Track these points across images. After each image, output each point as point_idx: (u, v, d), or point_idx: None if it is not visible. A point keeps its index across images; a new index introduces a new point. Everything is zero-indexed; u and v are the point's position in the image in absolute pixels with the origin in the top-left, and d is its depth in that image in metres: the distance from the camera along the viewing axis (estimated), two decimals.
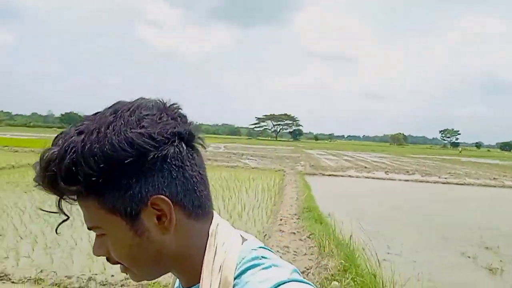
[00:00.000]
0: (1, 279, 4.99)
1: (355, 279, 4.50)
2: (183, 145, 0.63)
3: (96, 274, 5.03)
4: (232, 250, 0.64)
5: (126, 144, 0.58)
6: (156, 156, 0.59)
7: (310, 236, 6.81)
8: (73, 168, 0.58)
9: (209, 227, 0.67)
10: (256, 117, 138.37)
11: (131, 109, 0.61)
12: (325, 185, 16.83)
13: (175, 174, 0.62)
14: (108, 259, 0.66)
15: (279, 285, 0.58)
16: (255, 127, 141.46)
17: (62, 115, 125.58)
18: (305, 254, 5.98)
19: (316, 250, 6.00)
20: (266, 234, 7.47)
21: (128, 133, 0.58)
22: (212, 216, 0.69)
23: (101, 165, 0.57)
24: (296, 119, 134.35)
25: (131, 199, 0.60)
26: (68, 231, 7.19)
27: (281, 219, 8.35)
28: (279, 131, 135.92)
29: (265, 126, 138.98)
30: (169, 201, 0.61)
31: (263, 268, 0.61)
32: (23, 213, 8.36)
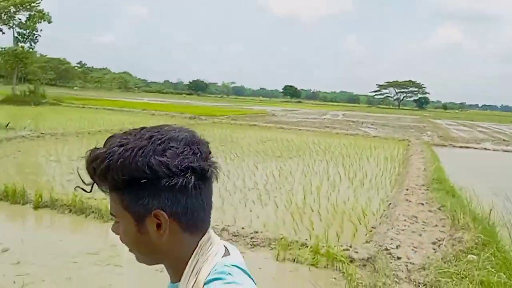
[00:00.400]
0: None
1: (496, 254, 4.12)
2: (193, 177, 0.77)
3: (228, 226, 5.41)
4: (210, 261, 0.79)
5: (147, 168, 0.74)
6: (167, 182, 0.75)
7: (441, 208, 6.39)
8: (106, 171, 0.76)
9: (200, 240, 0.82)
10: (377, 84, 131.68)
11: (162, 139, 0.77)
12: (456, 157, 15.52)
13: (179, 199, 0.78)
14: (120, 239, 0.84)
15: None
16: (376, 94, 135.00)
17: (190, 82, 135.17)
18: (436, 225, 5.65)
19: (448, 222, 5.62)
20: (390, 203, 7.22)
21: (152, 159, 0.74)
22: (205, 232, 0.84)
23: (124, 177, 0.75)
24: (422, 86, 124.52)
25: (141, 206, 0.78)
26: None
27: (407, 189, 7.97)
28: (402, 99, 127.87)
29: (386, 93, 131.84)
30: (167, 217, 0.78)
31: (224, 283, 0.75)
32: None
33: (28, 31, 32.93)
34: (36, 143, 12.03)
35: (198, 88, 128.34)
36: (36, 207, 6.00)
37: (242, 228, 5.37)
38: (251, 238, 5.09)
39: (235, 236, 5.14)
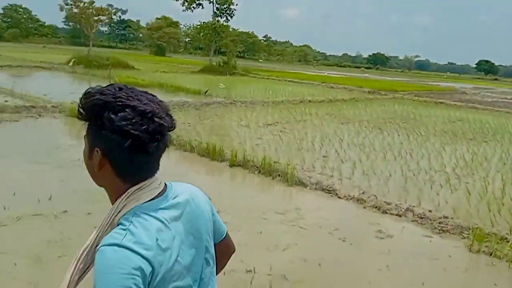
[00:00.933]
0: (329, 192, 5.80)
1: None
2: (129, 140, 0.96)
3: (413, 206, 5.13)
4: (129, 206, 0.99)
5: (100, 116, 0.98)
6: (109, 134, 0.97)
7: None
8: (81, 105, 1.02)
9: (130, 188, 1.00)
10: None
11: (124, 103, 0.97)
12: None
13: (114, 150, 0.98)
14: None
15: (111, 244, 0.90)
16: None
17: (369, 56, 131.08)
18: None
19: None
20: None
21: (105, 112, 0.97)
22: (138, 183, 1.01)
23: (86, 115, 1.01)
24: None
25: (90, 140, 1.02)
26: (382, 163, 7.58)
27: None
28: None
29: None
30: (101, 157, 1.00)
31: (120, 228, 0.94)
32: (342, 141, 9.34)
33: (225, 5, 36.42)
34: (229, 109, 13.40)
35: (377, 61, 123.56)
36: (232, 165, 6.73)
37: (429, 211, 5.02)
38: (439, 223, 4.74)
39: (421, 218, 4.86)
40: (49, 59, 26.94)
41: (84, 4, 27.03)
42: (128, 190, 1.00)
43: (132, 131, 0.95)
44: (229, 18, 37.05)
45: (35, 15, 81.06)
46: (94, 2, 27.59)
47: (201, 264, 1.11)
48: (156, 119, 0.98)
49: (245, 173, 6.51)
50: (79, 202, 4.69)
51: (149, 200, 1.00)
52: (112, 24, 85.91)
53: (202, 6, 37.51)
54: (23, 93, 11.60)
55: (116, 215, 0.99)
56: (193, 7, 37.23)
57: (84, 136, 1.04)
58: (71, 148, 6.93)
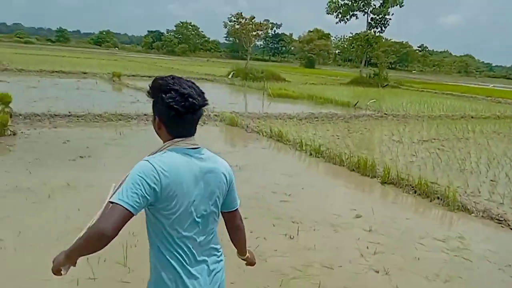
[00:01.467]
0: (500, 222, 5.09)
1: None
2: (172, 112, 1.49)
3: None
4: (165, 147, 1.54)
5: (157, 95, 1.54)
6: (161, 106, 1.52)
7: None
8: (149, 88, 1.58)
9: (171, 140, 1.55)
10: None
11: (171, 87, 1.50)
12: None
13: (165, 117, 1.52)
14: None
15: (144, 159, 1.49)
16: None
17: None
18: None
19: None
20: None
21: (161, 93, 1.51)
22: (175, 138, 1.55)
23: (150, 95, 1.57)
24: None
25: (154, 110, 1.57)
26: None
27: None
28: None
29: None
30: (159, 121, 1.56)
31: (156, 154, 1.54)
32: None
33: (380, 16, 35.39)
34: (380, 122, 12.91)
35: None
36: (383, 182, 6.43)
37: None
38: None
39: None
40: (211, 72, 29.81)
41: (245, 20, 29.20)
42: (172, 140, 1.55)
43: (174, 105, 1.48)
44: (383, 28, 35.89)
45: (202, 32, 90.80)
46: (254, 18, 29.59)
47: (206, 207, 1.60)
48: (190, 99, 1.50)
49: (398, 192, 6.15)
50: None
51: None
52: (267, 38, 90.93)
53: (357, 17, 37.14)
54: None
55: (159, 150, 1.56)
56: (347, 18, 37.10)
57: (152, 107, 1.58)
58: (230, 155, 7.49)
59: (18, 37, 71.84)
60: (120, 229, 1.39)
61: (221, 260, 1.72)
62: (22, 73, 18.33)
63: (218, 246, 1.71)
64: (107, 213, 1.40)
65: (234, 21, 30.14)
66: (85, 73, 20.47)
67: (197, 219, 1.56)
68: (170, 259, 1.54)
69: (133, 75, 21.66)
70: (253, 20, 29.45)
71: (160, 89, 1.50)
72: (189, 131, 1.56)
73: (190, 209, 1.53)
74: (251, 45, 31.20)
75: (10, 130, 7.40)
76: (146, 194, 1.42)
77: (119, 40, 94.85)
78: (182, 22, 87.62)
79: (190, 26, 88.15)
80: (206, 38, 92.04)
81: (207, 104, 1.55)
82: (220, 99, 15.84)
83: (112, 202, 1.40)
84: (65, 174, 5.55)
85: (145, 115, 10.12)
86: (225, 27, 31.64)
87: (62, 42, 75.50)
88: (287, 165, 7.45)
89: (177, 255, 1.54)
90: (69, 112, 9.36)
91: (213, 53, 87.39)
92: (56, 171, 5.67)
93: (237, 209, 1.78)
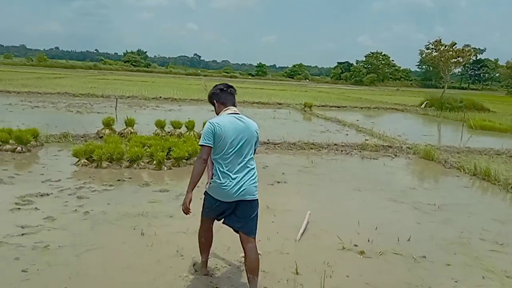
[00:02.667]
0: None
1: None
2: (221, 92, 3.41)
3: None
4: (222, 113, 3.34)
5: (213, 92, 3.46)
6: (217, 93, 3.42)
7: None
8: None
9: (224, 108, 3.36)
10: None
11: (218, 87, 3.46)
12: None
13: (219, 97, 3.39)
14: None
15: (208, 121, 3.28)
16: None
17: None
18: None
19: None
20: None
21: (213, 89, 3.47)
22: (227, 107, 3.36)
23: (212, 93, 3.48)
24: None
25: (213, 100, 3.45)
26: None
27: None
28: None
29: None
30: (217, 103, 3.42)
31: (218, 118, 3.33)
32: None
33: None
34: None
35: None
36: None
37: None
38: None
39: None
40: (402, 101, 28.61)
41: (445, 47, 27.18)
42: (224, 109, 3.33)
43: (220, 87, 3.43)
44: None
45: (392, 61, 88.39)
46: (455, 44, 27.34)
47: (247, 146, 3.25)
48: (225, 85, 3.46)
49: None
50: (436, 249, 4.58)
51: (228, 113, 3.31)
52: (466, 65, 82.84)
53: None
54: (381, 133, 12.68)
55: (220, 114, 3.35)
56: None
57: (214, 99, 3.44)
58: (427, 192, 6.96)
59: (225, 72, 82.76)
60: (208, 156, 3.20)
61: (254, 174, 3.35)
62: None
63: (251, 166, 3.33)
64: (200, 151, 3.21)
65: (432, 48, 28.35)
66: (280, 103, 22.15)
67: (233, 151, 3.20)
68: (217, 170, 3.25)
69: (323, 105, 22.42)
70: (454, 47, 27.19)
71: (215, 87, 3.44)
72: (230, 102, 3.38)
73: (230, 146, 3.18)
74: (449, 73, 28.80)
75: None
76: (210, 136, 3.16)
77: (309, 72, 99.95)
78: (372, 52, 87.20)
79: (380, 56, 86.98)
80: (397, 67, 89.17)
81: (235, 89, 3.46)
82: (412, 130, 15.02)
83: (201, 145, 3.18)
84: (265, 197, 5.98)
85: (335, 144, 10.29)
86: (421, 55, 30.02)
87: (261, 75, 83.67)
88: (497, 209, 6.49)
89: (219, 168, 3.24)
90: (268, 140, 10.19)
91: (403, 82, 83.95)
92: (259, 194, 6.18)
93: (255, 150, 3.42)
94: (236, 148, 3.18)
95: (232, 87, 3.42)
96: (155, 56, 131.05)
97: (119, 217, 4.94)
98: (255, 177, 3.33)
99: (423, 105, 24.55)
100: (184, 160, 7.55)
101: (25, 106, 14.56)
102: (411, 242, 4.72)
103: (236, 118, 3.24)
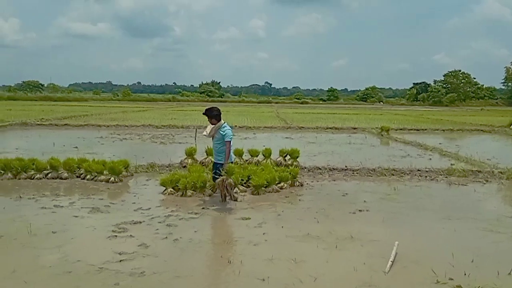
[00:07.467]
0: None
1: None
2: (219, 115, 7.32)
3: None
4: (221, 122, 7.22)
5: (215, 111, 7.27)
6: (217, 113, 7.26)
7: None
8: (210, 112, 7.31)
9: (221, 121, 7.29)
10: None
11: (214, 107, 7.39)
12: None
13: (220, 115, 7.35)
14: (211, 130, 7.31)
15: (228, 126, 7.28)
16: None
17: None
18: None
19: None
20: None
21: (213, 110, 7.31)
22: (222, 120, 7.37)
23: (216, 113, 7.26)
24: None
25: (217, 117, 7.29)
26: None
27: None
28: None
29: None
30: (219, 117, 7.32)
31: (225, 125, 7.24)
32: None
33: None
34: None
35: None
36: None
37: None
38: None
39: None
40: (487, 122, 26.72)
41: None
42: (223, 121, 7.23)
43: (219, 110, 7.33)
44: None
45: (474, 78, 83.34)
46: None
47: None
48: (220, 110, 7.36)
49: None
50: None
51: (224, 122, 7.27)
52: None
53: None
54: (467, 156, 11.89)
55: (221, 124, 7.16)
56: None
57: (213, 123, 7.23)
58: None
59: (296, 98, 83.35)
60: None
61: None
62: (302, 130, 20.95)
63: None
64: (230, 143, 7.11)
65: None
66: (354, 128, 21.73)
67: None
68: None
69: (400, 129, 21.61)
70: None
71: (217, 109, 7.26)
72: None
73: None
74: None
75: (298, 182, 8.46)
76: (232, 135, 7.17)
77: (383, 94, 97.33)
78: (451, 71, 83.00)
79: (460, 74, 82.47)
80: (479, 85, 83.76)
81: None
82: (503, 153, 13.95)
83: (231, 138, 7.09)
84: (347, 226, 5.88)
85: (418, 170, 9.83)
86: (507, 72, 28.04)
87: (332, 100, 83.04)
88: None
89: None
90: (345, 166, 10.01)
91: (487, 101, 78.46)
92: (340, 222, 6.08)
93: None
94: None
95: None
96: (228, 86, 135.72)
97: (206, 245, 5.11)
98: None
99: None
100: (263, 188, 7.66)
101: (115, 139, 15.77)
102: (511, 276, 4.33)
103: (228, 126, 7.23)
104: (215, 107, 7.41)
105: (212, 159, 9.98)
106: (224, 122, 7.28)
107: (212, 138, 7.31)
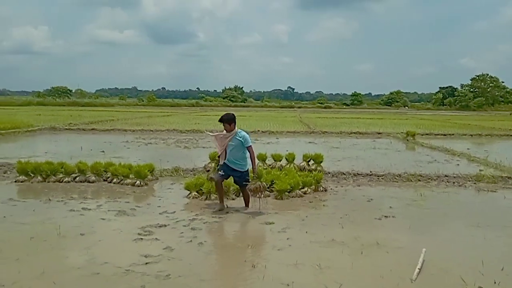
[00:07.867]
0: None
1: None
2: (235, 119, 6.91)
3: None
4: (236, 129, 6.85)
5: (232, 116, 6.87)
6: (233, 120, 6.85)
7: None
8: (226, 118, 6.83)
9: (236, 127, 6.93)
10: None
11: (229, 113, 6.98)
12: None
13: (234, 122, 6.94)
14: (225, 135, 6.98)
15: (244, 131, 6.98)
16: None
17: None
18: None
19: None
20: None
21: (230, 115, 6.92)
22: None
23: (230, 118, 6.82)
24: None
25: (234, 122, 6.89)
26: None
27: None
28: None
29: None
30: (234, 122, 6.88)
31: (241, 130, 6.90)
32: None
33: None
34: None
35: None
36: None
37: None
38: None
39: None
40: None
41: None
42: (237, 128, 6.84)
43: (235, 116, 6.96)
44: None
45: (502, 82, 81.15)
46: None
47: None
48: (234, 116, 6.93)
49: None
50: None
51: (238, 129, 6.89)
52: None
53: None
54: (497, 162, 11.55)
55: (237, 131, 6.77)
56: None
57: (227, 129, 6.80)
58: None
59: (319, 103, 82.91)
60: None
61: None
62: (326, 135, 20.78)
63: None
64: (252, 147, 6.76)
65: None
66: (379, 133, 21.42)
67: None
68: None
69: (427, 134, 21.20)
70: None
71: (233, 115, 6.88)
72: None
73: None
74: None
75: (322, 187, 8.39)
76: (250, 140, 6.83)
77: (408, 98, 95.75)
78: (478, 76, 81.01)
79: (488, 79, 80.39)
80: (508, 89, 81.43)
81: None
82: None
83: (249, 146, 6.70)
84: (373, 232, 5.79)
85: (445, 176, 9.61)
86: None
87: (356, 105, 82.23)
88: None
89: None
90: (370, 172, 9.89)
91: None
92: (365, 228, 5.99)
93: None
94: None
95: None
96: (250, 91, 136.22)
97: (230, 249, 5.13)
98: None
99: None
100: (286, 193, 7.64)
101: (140, 143, 16.02)
102: None
103: (244, 132, 6.91)
104: (231, 113, 7.01)
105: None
106: (239, 129, 6.83)
107: (226, 148, 6.77)
